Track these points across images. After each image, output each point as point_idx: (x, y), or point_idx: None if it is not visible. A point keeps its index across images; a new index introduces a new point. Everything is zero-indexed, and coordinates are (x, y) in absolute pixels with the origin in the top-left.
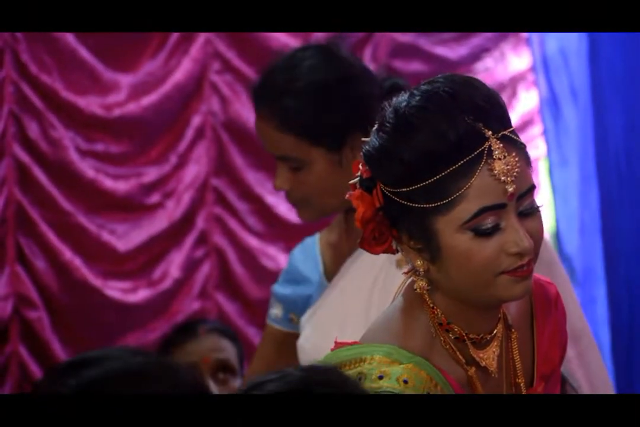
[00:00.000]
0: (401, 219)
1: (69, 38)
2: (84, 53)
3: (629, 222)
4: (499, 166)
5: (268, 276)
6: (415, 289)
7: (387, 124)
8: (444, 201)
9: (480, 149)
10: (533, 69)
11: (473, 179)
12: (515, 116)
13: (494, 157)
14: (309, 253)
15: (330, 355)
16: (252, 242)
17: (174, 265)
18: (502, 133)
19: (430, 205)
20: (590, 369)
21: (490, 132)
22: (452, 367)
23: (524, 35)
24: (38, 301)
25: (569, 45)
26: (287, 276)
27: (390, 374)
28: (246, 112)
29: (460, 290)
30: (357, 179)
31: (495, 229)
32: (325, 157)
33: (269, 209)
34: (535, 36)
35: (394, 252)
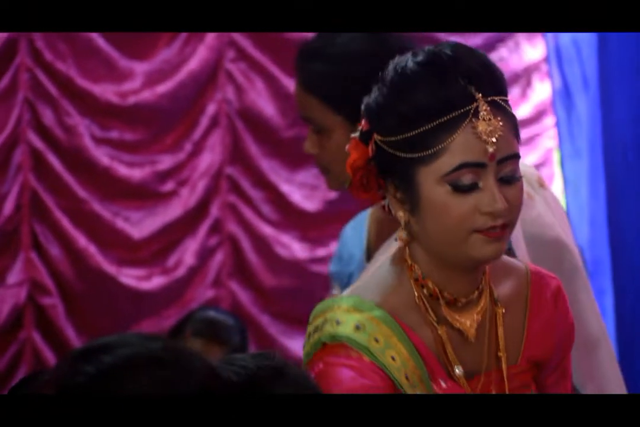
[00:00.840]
0: (389, 169)
1: None
2: (99, 40)
3: (635, 214)
4: (482, 126)
5: (282, 265)
6: (396, 239)
7: (387, 80)
8: (427, 152)
9: (467, 108)
10: (547, 59)
11: (456, 135)
12: (529, 106)
13: (479, 117)
14: (357, 229)
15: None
16: (266, 230)
17: (188, 253)
18: (491, 98)
19: (415, 155)
20: (603, 384)
21: (480, 95)
22: (422, 326)
23: None
24: (52, 287)
25: (582, 35)
26: (337, 252)
27: (347, 320)
28: (261, 100)
29: (435, 244)
30: (358, 132)
31: (473, 187)
32: (344, 126)
33: (284, 197)
34: None
35: (378, 200)
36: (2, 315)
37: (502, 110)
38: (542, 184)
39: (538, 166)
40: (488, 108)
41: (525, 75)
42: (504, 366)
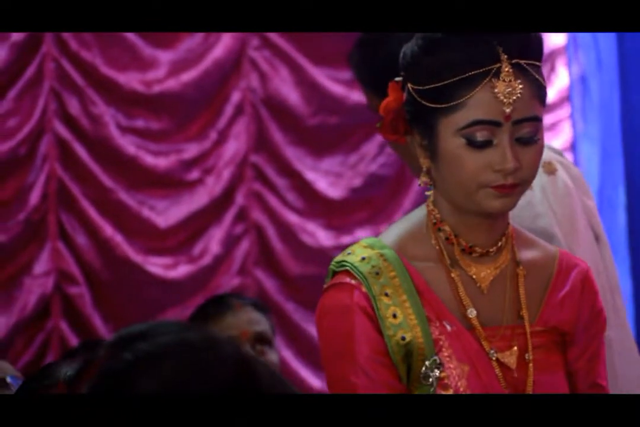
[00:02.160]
0: (416, 116)
1: None
2: None
3: None
4: (500, 87)
5: (307, 252)
6: (419, 184)
7: (424, 35)
8: (448, 104)
9: (489, 68)
10: (567, 46)
11: (475, 92)
12: (553, 91)
13: (500, 78)
14: None
15: None
16: (292, 218)
17: (213, 241)
18: (516, 60)
19: (437, 106)
20: (617, 382)
21: (506, 56)
22: (432, 270)
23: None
24: (79, 276)
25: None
26: None
27: (357, 252)
28: (285, 88)
29: (450, 192)
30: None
31: (487, 144)
32: None
33: (309, 185)
34: None
35: (403, 142)
36: (30, 305)
37: (526, 74)
38: (550, 171)
39: (564, 151)
40: (510, 70)
41: (550, 61)
42: (526, 323)
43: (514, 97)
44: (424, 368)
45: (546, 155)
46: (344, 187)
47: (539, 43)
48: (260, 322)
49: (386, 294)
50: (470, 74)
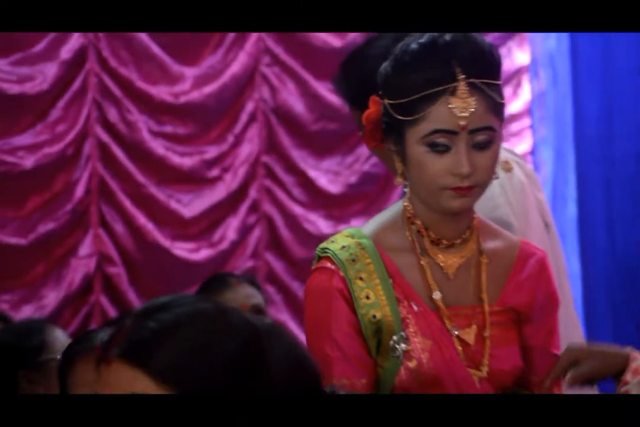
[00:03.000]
0: (389, 126)
1: (143, 36)
2: (155, 49)
3: (600, 193)
4: (456, 102)
5: (310, 239)
6: (395, 184)
7: (395, 54)
8: (413, 117)
9: (447, 86)
10: (530, 65)
11: (434, 106)
12: (520, 103)
13: (456, 95)
14: None
15: None
16: (297, 210)
17: (230, 229)
18: (472, 80)
19: (405, 118)
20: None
21: (463, 76)
22: (404, 257)
23: (527, 34)
24: (117, 258)
25: (556, 42)
26: None
27: (339, 241)
28: (292, 99)
29: (418, 192)
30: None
31: (446, 150)
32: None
33: (311, 182)
34: (534, 36)
35: (381, 147)
36: (76, 282)
37: (480, 91)
38: (507, 169)
39: (526, 154)
40: (466, 88)
41: (517, 77)
42: (485, 304)
43: (469, 111)
44: (391, 342)
45: (504, 155)
46: (341, 184)
47: (496, 64)
48: (255, 296)
49: (361, 278)
50: (430, 91)
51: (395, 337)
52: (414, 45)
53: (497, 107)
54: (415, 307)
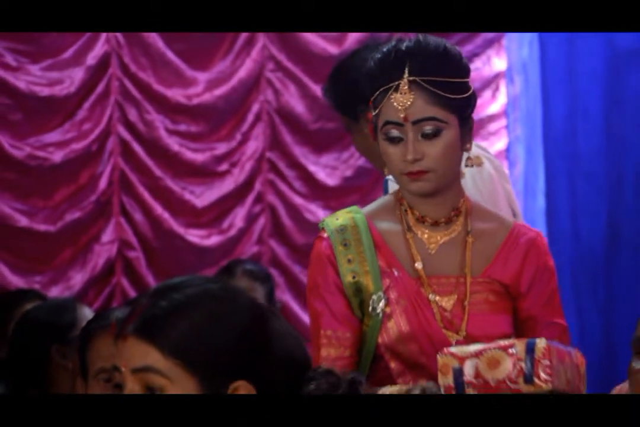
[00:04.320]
0: (373, 124)
1: (160, 44)
2: (171, 55)
3: (567, 186)
4: (396, 98)
5: (309, 227)
6: (385, 175)
7: (367, 64)
8: (375, 112)
9: (392, 84)
10: (506, 71)
11: (385, 102)
12: (498, 105)
13: (398, 91)
14: None
15: None
16: (298, 200)
17: (238, 218)
18: (414, 78)
19: (373, 113)
20: None
21: (407, 75)
22: (391, 230)
23: (504, 43)
24: (136, 244)
25: (530, 54)
26: None
27: (337, 215)
28: (293, 101)
29: (393, 178)
30: None
31: (399, 140)
32: (354, 127)
33: (311, 176)
34: (510, 45)
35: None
36: (99, 265)
37: (421, 87)
38: (478, 163)
39: (502, 152)
40: (406, 85)
41: (495, 82)
42: (468, 276)
43: (407, 104)
44: (371, 301)
45: (475, 151)
46: (338, 177)
47: (449, 63)
48: (255, 291)
49: (345, 245)
50: (382, 89)
51: (374, 297)
52: (377, 54)
53: (443, 100)
54: (396, 273)
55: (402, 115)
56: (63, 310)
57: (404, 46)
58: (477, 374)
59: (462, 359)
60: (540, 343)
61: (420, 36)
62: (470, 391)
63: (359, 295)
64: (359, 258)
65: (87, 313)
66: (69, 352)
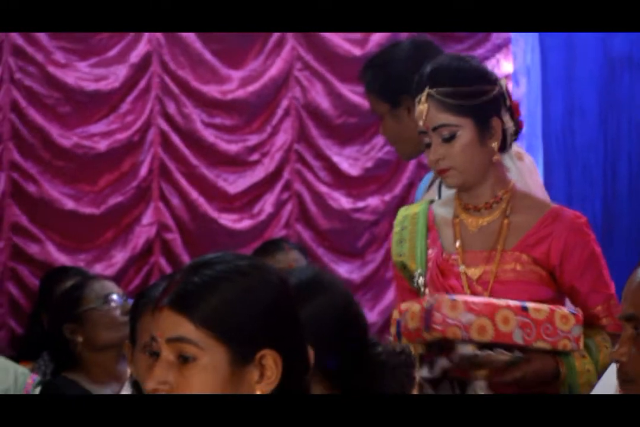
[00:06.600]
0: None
1: (197, 44)
2: (207, 55)
3: (564, 180)
4: (417, 109)
5: (333, 213)
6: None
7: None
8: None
9: (418, 98)
10: (512, 74)
11: (415, 112)
12: None
13: (418, 104)
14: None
15: None
16: (322, 188)
17: (267, 204)
18: (428, 91)
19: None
20: None
21: (427, 89)
22: (445, 216)
23: (511, 48)
24: (173, 227)
25: (532, 59)
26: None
27: (410, 206)
28: (319, 97)
29: None
30: None
31: (428, 145)
32: (390, 112)
33: (335, 166)
34: (516, 51)
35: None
36: (139, 246)
37: (434, 99)
38: (519, 157)
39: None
40: (424, 97)
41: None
42: (498, 249)
43: (424, 114)
44: (414, 277)
45: (516, 149)
46: (360, 168)
47: (459, 75)
48: (301, 261)
49: (402, 229)
50: (415, 101)
51: (416, 273)
52: (422, 68)
53: (453, 108)
54: (430, 251)
55: (422, 124)
56: (70, 290)
57: (430, 67)
58: (405, 326)
59: (401, 312)
60: (433, 298)
61: (442, 55)
62: (404, 339)
63: (405, 271)
64: (409, 239)
65: (95, 287)
66: (77, 328)
